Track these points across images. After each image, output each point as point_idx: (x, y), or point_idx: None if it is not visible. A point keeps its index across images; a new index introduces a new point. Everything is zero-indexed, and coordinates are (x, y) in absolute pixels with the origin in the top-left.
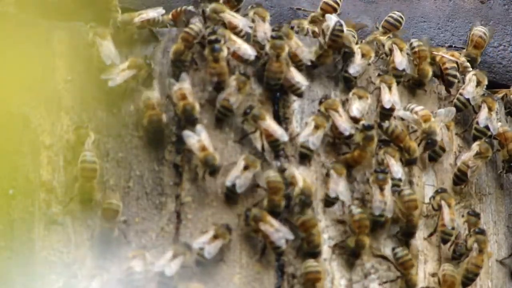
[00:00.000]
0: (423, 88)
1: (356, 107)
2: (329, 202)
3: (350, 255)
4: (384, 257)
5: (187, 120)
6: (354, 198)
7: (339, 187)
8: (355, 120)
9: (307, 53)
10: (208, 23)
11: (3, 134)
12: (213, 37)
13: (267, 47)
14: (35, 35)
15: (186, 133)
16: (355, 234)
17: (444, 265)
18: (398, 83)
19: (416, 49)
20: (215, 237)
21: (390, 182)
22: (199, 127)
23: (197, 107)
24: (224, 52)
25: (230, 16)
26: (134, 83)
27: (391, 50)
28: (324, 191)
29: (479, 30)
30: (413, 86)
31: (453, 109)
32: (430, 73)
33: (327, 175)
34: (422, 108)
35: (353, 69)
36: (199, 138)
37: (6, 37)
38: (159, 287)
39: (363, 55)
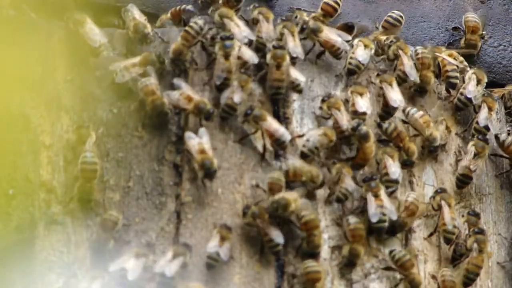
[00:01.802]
0: (425, 95)
1: (363, 103)
2: (345, 196)
3: (346, 264)
4: (388, 267)
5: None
6: (354, 198)
7: (353, 184)
8: (364, 115)
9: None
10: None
11: (3, 134)
12: (227, 34)
13: (268, 57)
14: (35, 35)
15: (188, 134)
16: (350, 242)
17: (443, 270)
18: (398, 85)
19: (420, 56)
20: (223, 238)
21: (383, 187)
22: (202, 130)
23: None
24: (235, 50)
25: (233, 24)
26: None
27: (396, 55)
28: (340, 186)
29: (471, 16)
30: (415, 92)
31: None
32: (433, 80)
33: (337, 172)
34: (422, 114)
35: (361, 57)
36: (199, 140)
37: (6, 37)
38: (159, 287)
39: (365, 46)
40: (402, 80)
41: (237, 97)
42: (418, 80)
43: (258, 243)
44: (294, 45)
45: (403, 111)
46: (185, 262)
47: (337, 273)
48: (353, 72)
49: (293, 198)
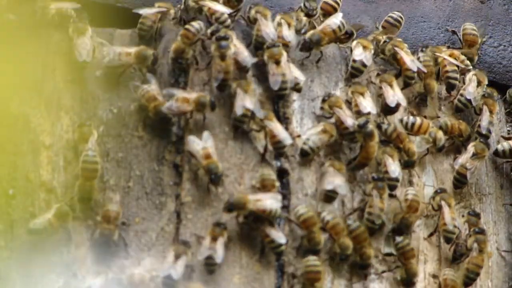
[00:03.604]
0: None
1: (366, 103)
2: (327, 196)
3: (359, 268)
4: (387, 253)
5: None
6: (354, 197)
7: (336, 180)
8: (368, 115)
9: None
10: (190, 13)
11: (3, 134)
12: (222, 34)
13: (265, 56)
14: (35, 35)
15: (191, 138)
16: (356, 248)
17: (445, 269)
18: (408, 85)
19: (422, 64)
20: (214, 239)
21: (387, 190)
22: (206, 134)
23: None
24: (231, 50)
25: (210, 2)
26: (130, 71)
27: (394, 54)
28: (321, 186)
29: (470, 28)
30: (419, 101)
31: None
32: (436, 88)
33: (324, 171)
34: (420, 122)
35: (359, 56)
36: (204, 145)
37: (6, 38)
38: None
39: (364, 47)
40: (410, 78)
41: (248, 103)
42: (423, 69)
43: (258, 243)
44: (289, 33)
45: (401, 121)
46: (188, 262)
47: (337, 273)
48: (358, 71)
49: (256, 199)
